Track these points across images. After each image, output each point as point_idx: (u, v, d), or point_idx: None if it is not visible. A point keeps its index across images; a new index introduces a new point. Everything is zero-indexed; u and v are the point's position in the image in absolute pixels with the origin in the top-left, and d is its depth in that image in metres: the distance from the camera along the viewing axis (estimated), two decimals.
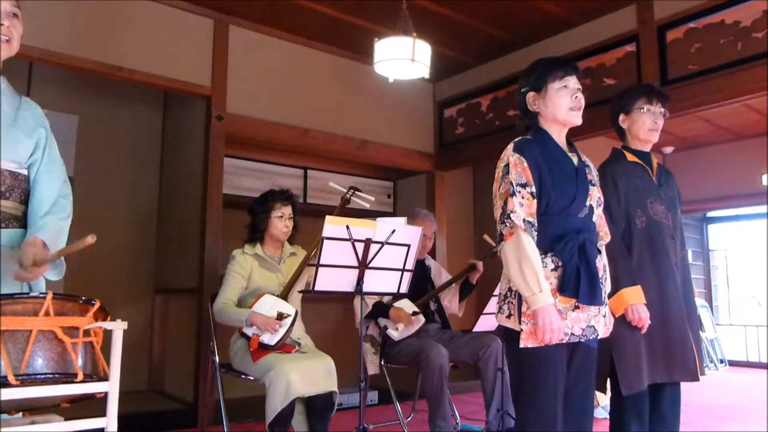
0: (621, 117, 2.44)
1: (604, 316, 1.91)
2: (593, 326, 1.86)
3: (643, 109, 2.38)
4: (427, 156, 5.30)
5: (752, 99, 3.79)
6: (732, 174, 6.83)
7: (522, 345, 1.78)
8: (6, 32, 1.72)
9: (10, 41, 1.74)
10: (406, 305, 3.32)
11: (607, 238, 2.03)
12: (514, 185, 1.82)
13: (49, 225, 1.74)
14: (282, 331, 2.75)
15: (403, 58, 3.19)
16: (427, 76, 3.41)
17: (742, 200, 6.89)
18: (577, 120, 1.92)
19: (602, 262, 1.94)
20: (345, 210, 2.96)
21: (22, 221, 1.78)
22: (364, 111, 4.91)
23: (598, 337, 1.90)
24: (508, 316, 1.86)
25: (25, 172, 1.80)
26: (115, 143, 4.53)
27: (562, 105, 1.90)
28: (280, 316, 2.78)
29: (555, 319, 1.75)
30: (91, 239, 1.48)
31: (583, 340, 1.86)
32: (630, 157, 2.41)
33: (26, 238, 1.68)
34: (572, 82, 1.92)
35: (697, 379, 2.27)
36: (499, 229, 1.84)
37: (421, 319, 3.31)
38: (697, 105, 3.71)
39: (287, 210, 3.08)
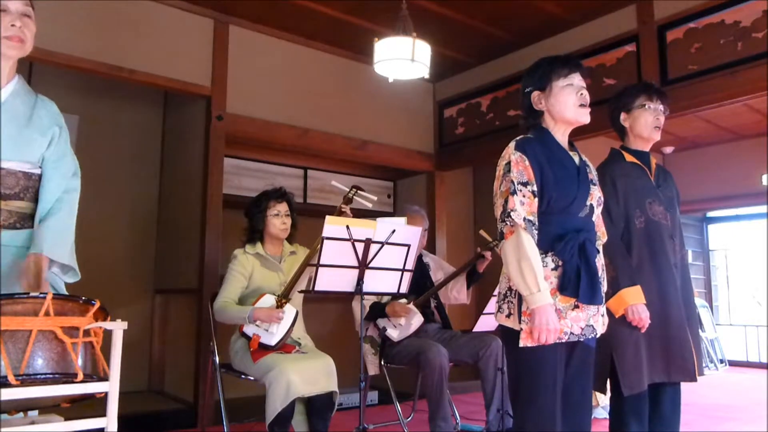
0: (622, 116, 2.43)
1: (603, 315, 1.92)
2: (592, 325, 1.87)
3: (644, 106, 2.38)
4: (427, 156, 5.30)
5: (752, 99, 3.79)
6: (732, 174, 6.82)
7: (521, 344, 1.78)
8: (19, 33, 1.72)
9: (23, 42, 1.74)
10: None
11: (604, 239, 2.04)
12: (516, 183, 1.82)
13: (51, 228, 1.76)
14: (282, 331, 2.76)
15: (403, 58, 3.19)
16: (427, 76, 3.41)
17: (742, 200, 6.88)
18: (585, 118, 1.92)
19: (600, 261, 1.94)
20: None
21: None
22: (364, 111, 4.91)
23: (597, 336, 1.91)
24: (508, 316, 1.86)
25: (38, 171, 1.83)
26: (115, 143, 4.53)
27: (568, 103, 1.90)
28: (280, 303, 2.78)
29: (551, 319, 1.74)
30: None
31: (582, 339, 1.86)
32: (628, 158, 2.41)
33: (29, 252, 1.71)
34: (577, 79, 1.92)
35: (695, 380, 2.27)
36: (500, 227, 1.84)
37: (420, 318, 3.31)
38: (697, 105, 3.71)
39: (282, 207, 3.08)
